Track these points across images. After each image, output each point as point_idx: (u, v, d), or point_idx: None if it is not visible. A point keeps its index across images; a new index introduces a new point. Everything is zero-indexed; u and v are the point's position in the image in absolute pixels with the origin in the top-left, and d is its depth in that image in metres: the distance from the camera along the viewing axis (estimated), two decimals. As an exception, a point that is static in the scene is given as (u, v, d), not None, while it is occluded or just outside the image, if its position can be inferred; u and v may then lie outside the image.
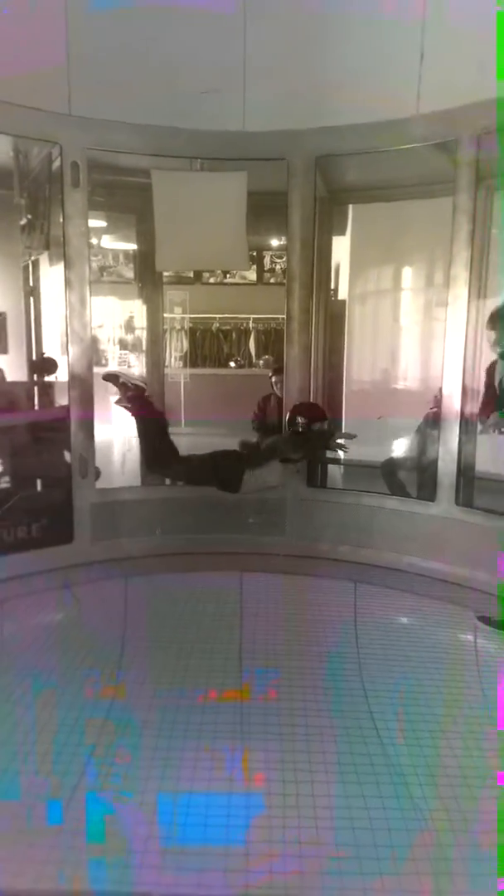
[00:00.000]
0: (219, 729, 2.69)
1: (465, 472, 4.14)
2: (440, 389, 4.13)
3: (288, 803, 2.28)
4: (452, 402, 4.04)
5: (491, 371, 4.18)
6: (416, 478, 4.76)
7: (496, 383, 3.91)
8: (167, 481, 4.70)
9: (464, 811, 2.27)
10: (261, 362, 9.68)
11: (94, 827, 2.16)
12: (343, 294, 6.58)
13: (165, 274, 6.71)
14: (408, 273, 6.19)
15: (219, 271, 9.79)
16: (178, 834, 2.16)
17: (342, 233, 6.25)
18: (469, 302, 3.93)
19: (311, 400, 4.56)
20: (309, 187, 4.30)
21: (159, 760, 2.49)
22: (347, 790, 2.35)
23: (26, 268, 5.57)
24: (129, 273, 8.96)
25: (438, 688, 2.99)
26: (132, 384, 4.22)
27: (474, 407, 4.14)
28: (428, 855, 2.08)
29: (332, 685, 3.01)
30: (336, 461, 4.94)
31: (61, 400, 4.59)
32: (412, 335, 6.10)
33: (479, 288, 4.05)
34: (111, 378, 4.30)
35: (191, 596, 3.93)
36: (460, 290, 3.92)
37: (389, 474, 4.80)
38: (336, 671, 3.11)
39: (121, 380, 4.26)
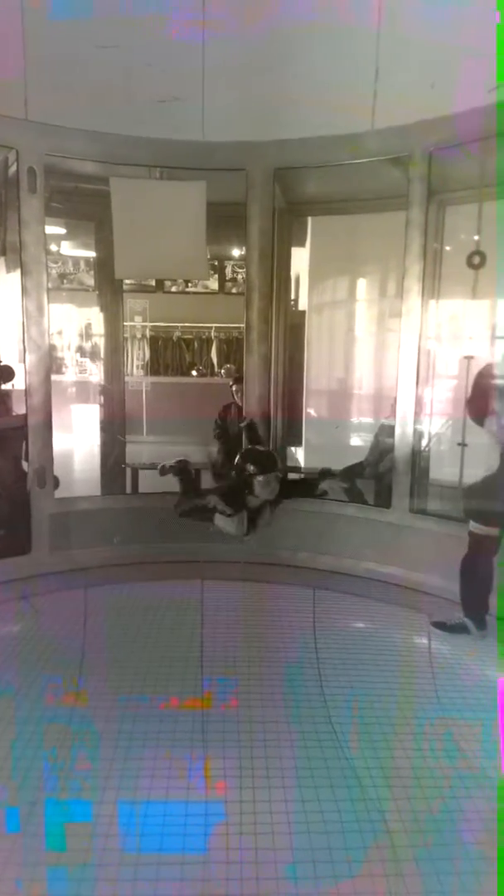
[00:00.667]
0: (177, 737, 2.68)
1: (420, 479, 4.23)
2: (395, 398, 4.22)
3: (245, 810, 2.29)
4: (407, 410, 4.14)
5: (487, 374, 3.74)
6: (373, 485, 4.84)
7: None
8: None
9: (416, 811, 2.31)
10: (223, 371, 9.72)
11: (54, 835, 2.14)
12: (303, 304, 6.65)
13: (127, 282, 6.69)
14: (364, 285, 6.30)
15: (181, 280, 9.80)
16: (135, 842, 2.15)
17: (301, 244, 6.31)
18: (422, 313, 4.03)
19: (270, 410, 4.58)
20: (268, 198, 4.36)
21: (117, 770, 2.48)
22: (304, 794, 2.38)
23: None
24: (90, 280, 8.90)
25: (394, 691, 3.04)
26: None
27: (426, 414, 4.23)
28: (382, 857, 2.11)
29: (291, 690, 3.03)
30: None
31: (18, 408, 4.54)
32: (370, 345, 6.21)
33: (431, 300, 4.16)
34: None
35: (151, 605, 3.92)
36: (413, 301, 4.02)
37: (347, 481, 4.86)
38: (294, 677, 3.14)
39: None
